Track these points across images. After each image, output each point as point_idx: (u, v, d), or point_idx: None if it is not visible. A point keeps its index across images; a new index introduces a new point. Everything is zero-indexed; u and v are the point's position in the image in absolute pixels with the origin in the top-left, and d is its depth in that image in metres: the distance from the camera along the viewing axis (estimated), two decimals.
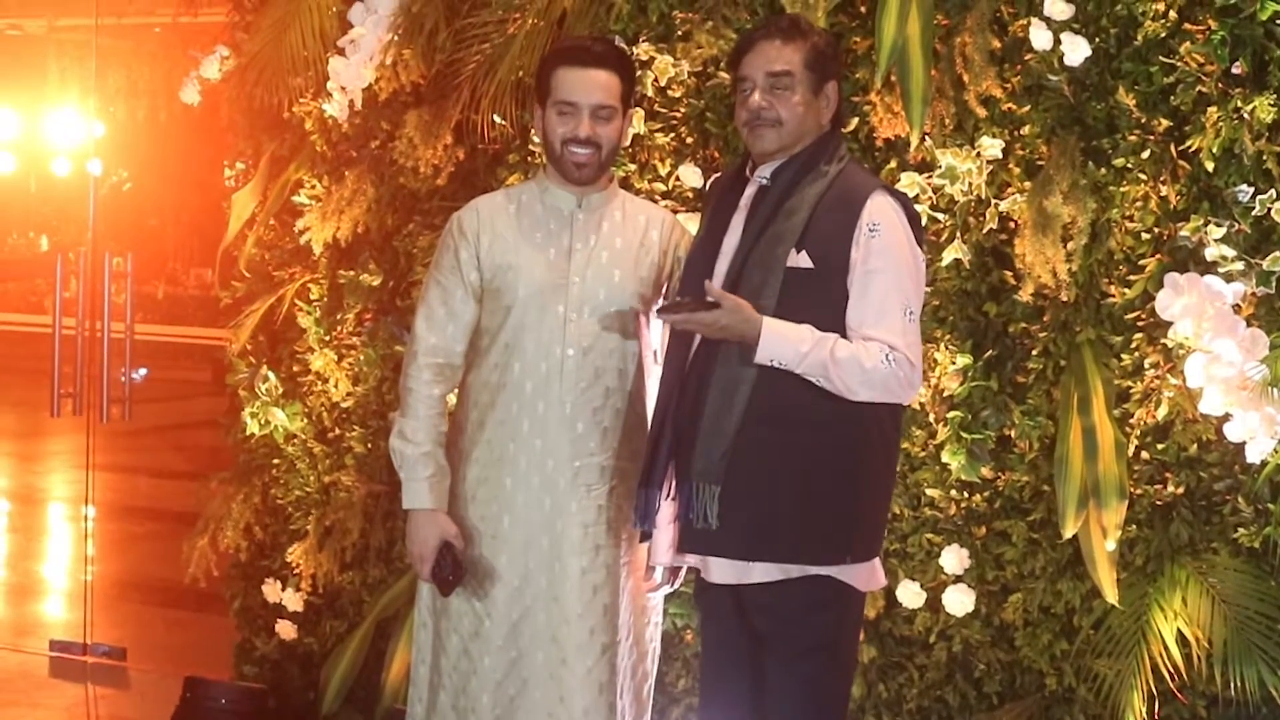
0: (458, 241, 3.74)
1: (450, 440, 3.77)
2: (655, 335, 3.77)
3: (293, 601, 5.18)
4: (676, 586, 3.77)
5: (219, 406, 5.59)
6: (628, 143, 4.44)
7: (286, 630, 5.22)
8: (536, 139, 4.38)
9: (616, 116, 3.66)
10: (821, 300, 3.37)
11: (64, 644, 6.45)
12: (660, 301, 3.77)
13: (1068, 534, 4.01)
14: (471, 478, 3.72)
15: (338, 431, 5.10)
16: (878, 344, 3.32)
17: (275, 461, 5.22)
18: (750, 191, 3.52)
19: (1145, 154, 3.98)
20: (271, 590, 5.23)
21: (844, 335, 3.35)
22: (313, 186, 5.09)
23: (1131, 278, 4.03)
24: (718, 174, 4.17)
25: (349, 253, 5.03)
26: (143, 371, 6.22)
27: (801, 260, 3.36)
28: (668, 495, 3.52)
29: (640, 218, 3.79)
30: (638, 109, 4.45)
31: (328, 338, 5.06)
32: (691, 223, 4.14)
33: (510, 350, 3.67)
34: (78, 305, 6.29)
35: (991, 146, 4.12)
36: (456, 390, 3.81)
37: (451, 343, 3.72)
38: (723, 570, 3.44)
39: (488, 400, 3.70)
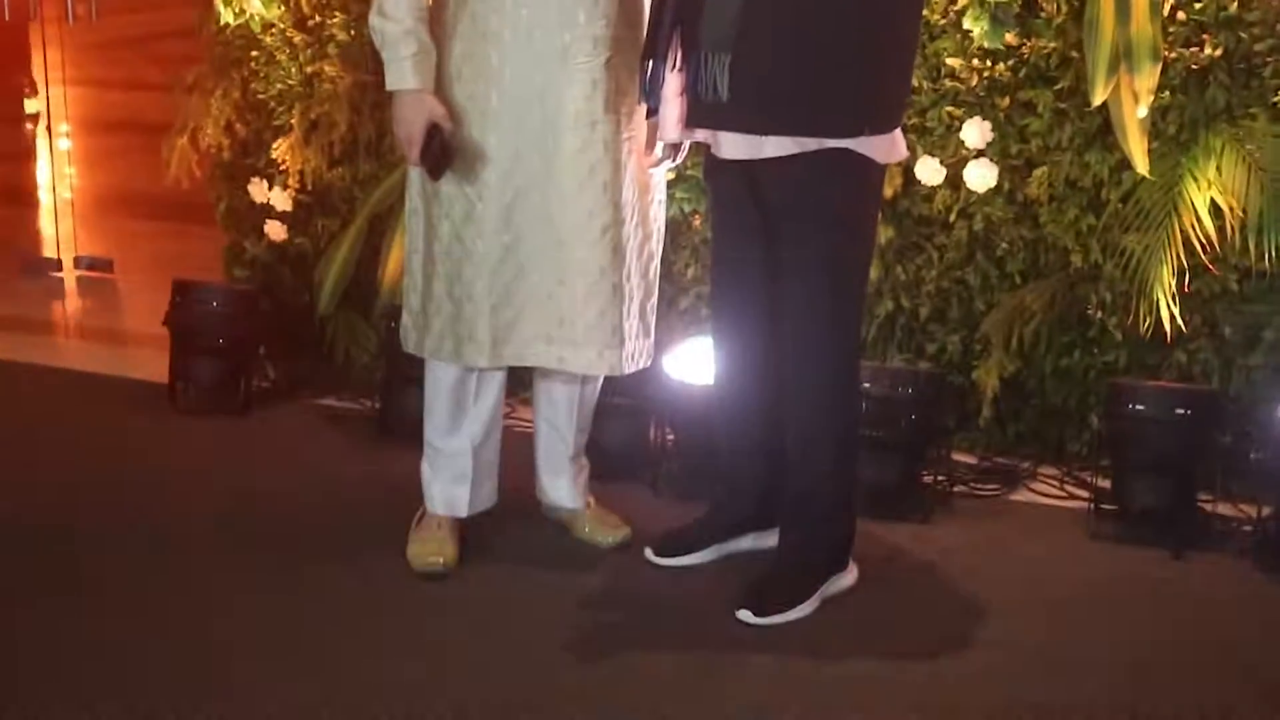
0: None
1: (433, 16, 3.72)
2: None
3: (281, 200, 5.24)
4: (679, 162, 3.80)
5: (189, 16, 5.52)
6: None
7: (276, 231, 5.30)
8: None
9: None
10: None
11: (47, 260, 6.53)
12: None
13: (1096, 102, 4.02)
14: (456, 54, 3.69)
15: (318, 18, 5.08)
16: None
17: (254, 53, 5.21)
18: None
19: None
20: (258, 190, 5.29)
21: None
22: None
23: None
24: None
25: None
26: None
27: None
28: (674, 67, 3.49)
29: None
30: None
31: None
32: None
33: None
34: None
35: None
36: None
37: None
38: (734, 145, 3.45)
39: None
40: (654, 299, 3.91)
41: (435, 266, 3.78)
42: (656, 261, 3.91)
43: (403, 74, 3.65)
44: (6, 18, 6.34)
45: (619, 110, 3.69)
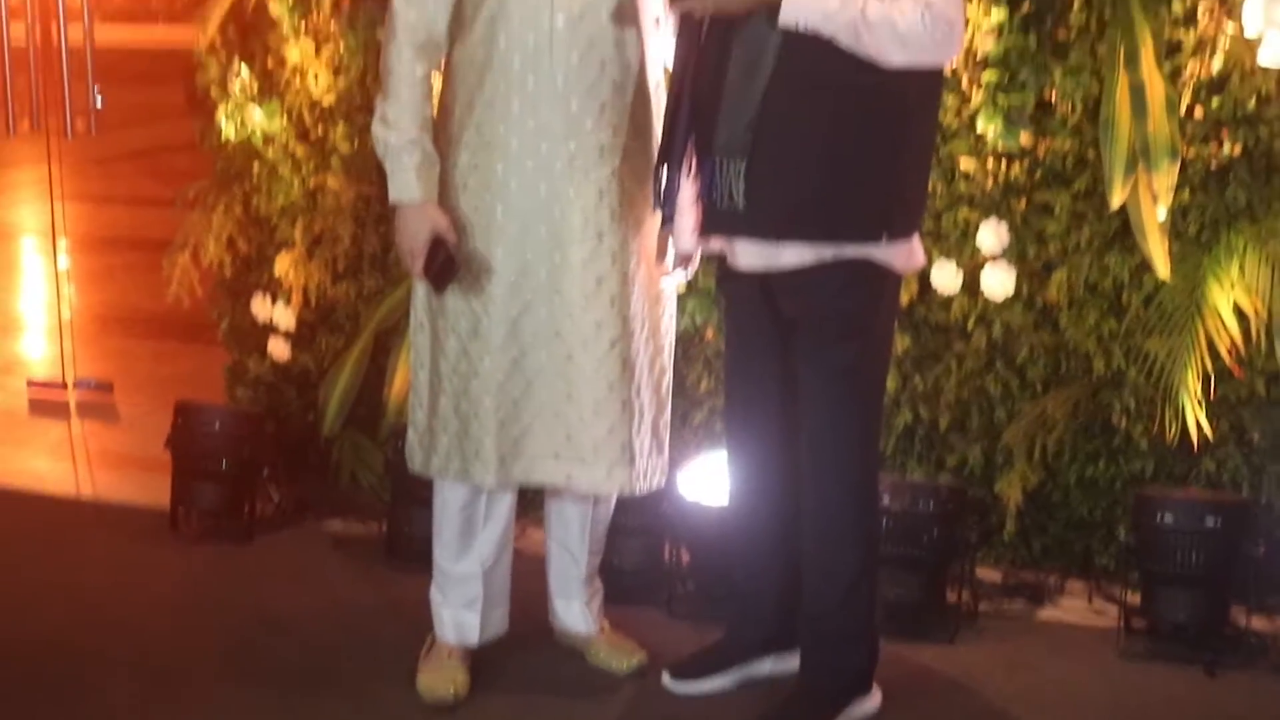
0: None
1: (438, 126, 3.75)
2: (657, 1, 3.71)
3: (284, 318, 5.23)
4: (692, 273, 3.79)
5: (193, 129, 5.54)
6: None
7: (279, 349, 5.28)
8: None
9: None
10: None
11: (44, 382, 6.53)
12: None
13: (1115, 203, 4.01)
14: (462, 165, 3.71)
15: (320, 130, 5.09)
16: (912, 1, 3.26)
17: (255, 167, 5.22)
18: None
19: None
20: (261, 307, 5.28)
21: None
22: None
23: None
24: None
25: None
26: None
27: None
28: (688, 174, 3.50)
29: None
30: None
31: (303, 26, 5.01)
32: None
33: (495, 22, 3.61)
34: (26, 6, 6.19)
35: None
36: (442, 73, 3.79)
37: (432, 17, 3.66)
38: (750, 254, 3.45)
39: (475, 79, 3.67)
40: (666, 414, 3.89)
41: (442, 383, 3.77)
42: (668, 376, 3.90)
43: (406, 185, 3.66)
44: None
45: (627, 221, 3.70)
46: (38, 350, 7.31)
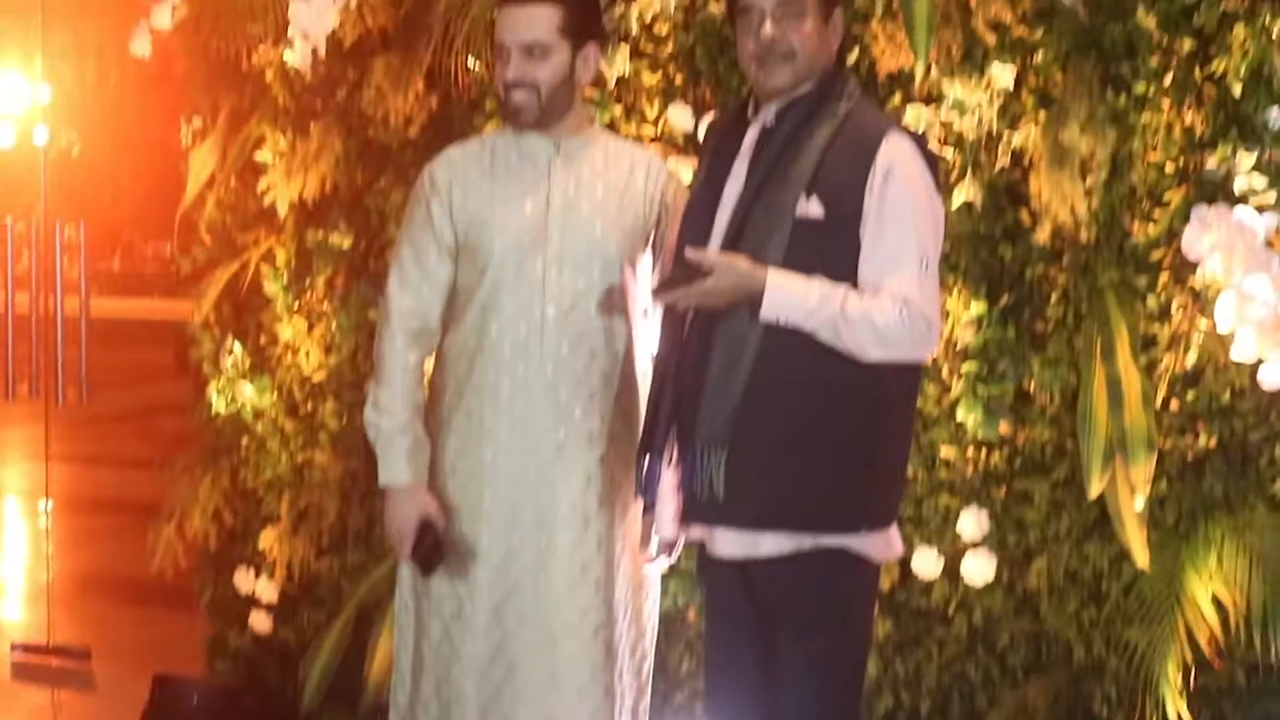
0: (429, 196, 3.76)
1: (428, 409, 3.78)
2: (645, 291, 3.78)
3: (267, 591, 5.21)
4: (675, 560, 3.80)
5: (183, 390, 5.60)
6: (611, 84, 4.47)
7: (261, 622, 5.25)
8: None
9: (555, 52, 3.65)
10: (832, 252, 3.35)
11: (25, 645, 6.49)
12: (648, 254, 3.79)
13: (1093, 493, 4.03)
14: (451, 449, 3.74)
15: (310, 406, 5.13)
16: (891, 298, 3.31)
17: (244, 441, 5.25)
18: (753, 134, 3.49)
19: (1168, 79, 4.01)
20: (244, 579, 5.27)
21: (856, 288, 3.34)
22: (276, 142, 5.10)
23: (1155, 214, 4.06)
24: (715, 116, 4.17)
25: (317, 213, 5.05)
26: None
27: (811, 208, 3.34)
28: (670, 463, 3.51)
29: (624, 161, 3.79)
30: (621, 46, 4.48)
31: (296, 305, 5.09)
32: (684, 169, 4.17)
33: (487, 311, 3.68)
34: (31, 280, 6.32)
35: (1003, 75, 4.13)
36: (434, 356, 3.84)
37: (427, 305, 3.74)
38: (729, 543, 3.44)
39: (465, 366, 3.71)
40: (647, 699, 3.86)
41: (424, 665, 3.75)
42: (650, 660, 3.88)
43: (397, 469, 3.69)
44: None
45: (613, 507, 3.72)
46: (16, 613, 7.26)
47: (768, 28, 3.40)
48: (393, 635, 3.92)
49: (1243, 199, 3.93)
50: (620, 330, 3.74)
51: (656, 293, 3.44)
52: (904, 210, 3.35)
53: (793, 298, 3.30)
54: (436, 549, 3.66)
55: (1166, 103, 4.01)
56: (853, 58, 4.24)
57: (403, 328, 3.73)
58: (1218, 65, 3.94)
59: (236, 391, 5.21)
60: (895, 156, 3.37)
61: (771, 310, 3.31)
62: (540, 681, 3.66)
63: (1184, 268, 4.01)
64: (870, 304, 3.31)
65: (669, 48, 4.50)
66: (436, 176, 3.77)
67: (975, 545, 4.27)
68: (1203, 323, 3.99)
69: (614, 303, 3.71)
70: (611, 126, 4.48)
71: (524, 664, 3.66)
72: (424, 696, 3.74)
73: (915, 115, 4.18)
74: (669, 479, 3.53)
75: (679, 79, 4.49)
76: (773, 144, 3.44)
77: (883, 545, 3.49)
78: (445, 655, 3.71)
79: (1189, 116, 4.00)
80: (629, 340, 3.76)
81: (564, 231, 3.68)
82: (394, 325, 3.73)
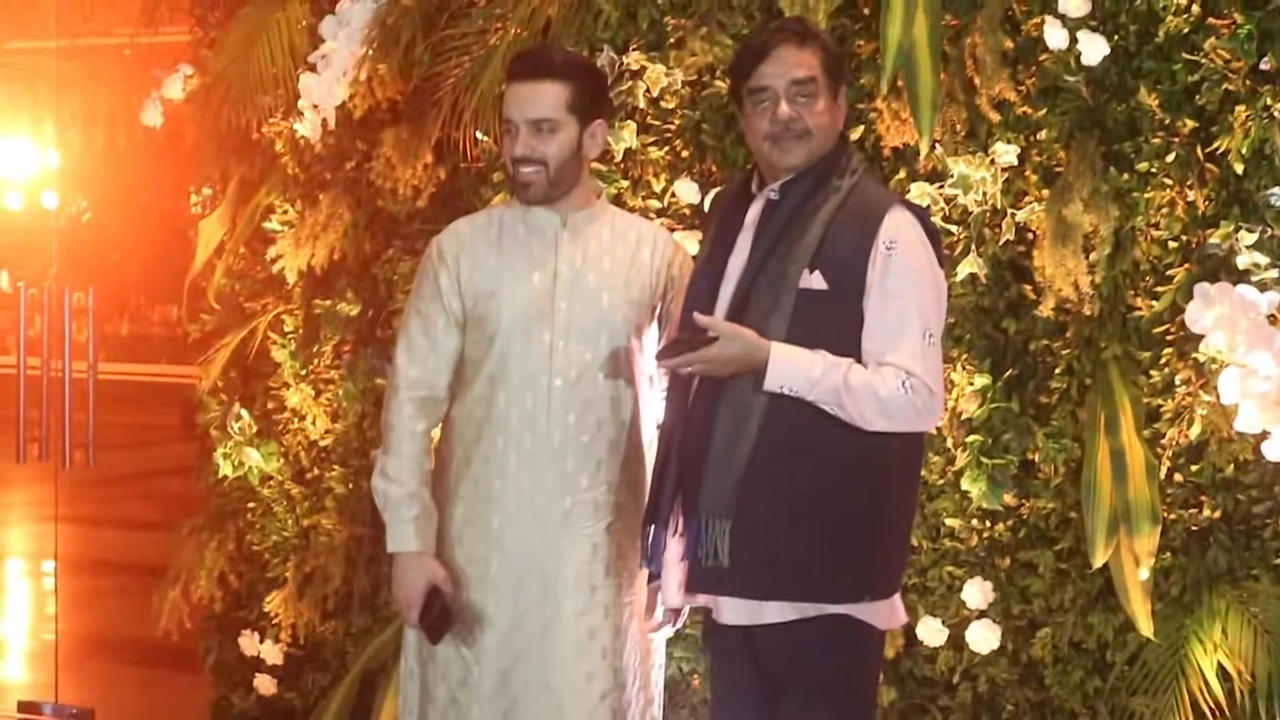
0: (437, 267, 3.75)
1: (435, 477, 3.77)
2: (651, 361, 3.77)
3: (272, 654, 5.16)
4: (680, 627, 3.76)
5: (188, 452, 5.56)
6: (618, 157, 4.47)
7: (266, 685, 5.20)
8: None
9: (563, 128, 3.65)
10: (836, 324, 3.35)
11: (29, 705, 6.44)
12: (654, 325, 3.78)
13: (1098, 563, 4.01)
14: (458, 517, 3.73)
15: (316, 471, 5.10)
16: (894, 370, 3.30)
17: (250, 505, 5.21)
18: (757, 208, 3.49)
19: (1170, 157, 4.00)
20: (249, 643, 5.22)
21: (860, 361, 3.33)
22: (285, 211, 5.09)
23: (1159, 289, 4.05)
24: (719, 190, 4.17)
25: (325, 281, 5.03)
26: None
27: (815, 281, 3.34)
28: (675, 532, 3.49)
29: (630, 235, 3.79)
30: (628, 121, 4.48)
31: (304, 372, 5.06)
32: (690, 242, 4.15)
33: (495, 381, 3.67)
34: (42, 344, 6.31)
35: (1006, 153, 4.13)
36: (441, 425, 3.82)
37: (434, 375, 3.73)
38: (734, 611, 3.42)
39: (473, 435, 3.70)
40: None
41: None
42: None
43: (404, 537, 3.67)
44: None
45: (620, 575, 3.71)
46: (22, 673, 7.20)
47: (784, 108, 3.42)
48: (397, 698, 3.90)
49: (1245, 275, 3.92)
50: (627, 400, 3.72)
51: (661, 356, 3.42)
52: (907, 283, 3.35)
53: (797, 368, 3.30)
54: (444, 615, 3.63)
55: (1169, 180, 4.00)
56: (858, 133, 4.24)
57: (410, 397, 3.72)
58: (1220, 144, 3.94)
59: (243, 456, 5.18)
60: (898, 230, 3.37)
61: (776, 380, 3.30)
62: None
63: (1187, 342, 4.00)
64: (873, 375, 3.30)
65: (675, 123, 4.49)
66: (445, 249, 3.77)
67: (980, 614, 4.24)
68: (1206, 396, 3.97)
69: (620, 373, 3.70)
70: (618, 200, 4.47)
71: None
72: None
73: (919, 191, 4.17)
74: (674, 548, 3.50)
75: (685, 153, 4.48)
76: (777, 218, 3.44)
77: (887, 613, 3.47)
78: None
79: (1191, 194, 3.99)
80: (635, 410, 3.75)
81: (571, 304, 3.67)
82: (402, 395, 3.72)
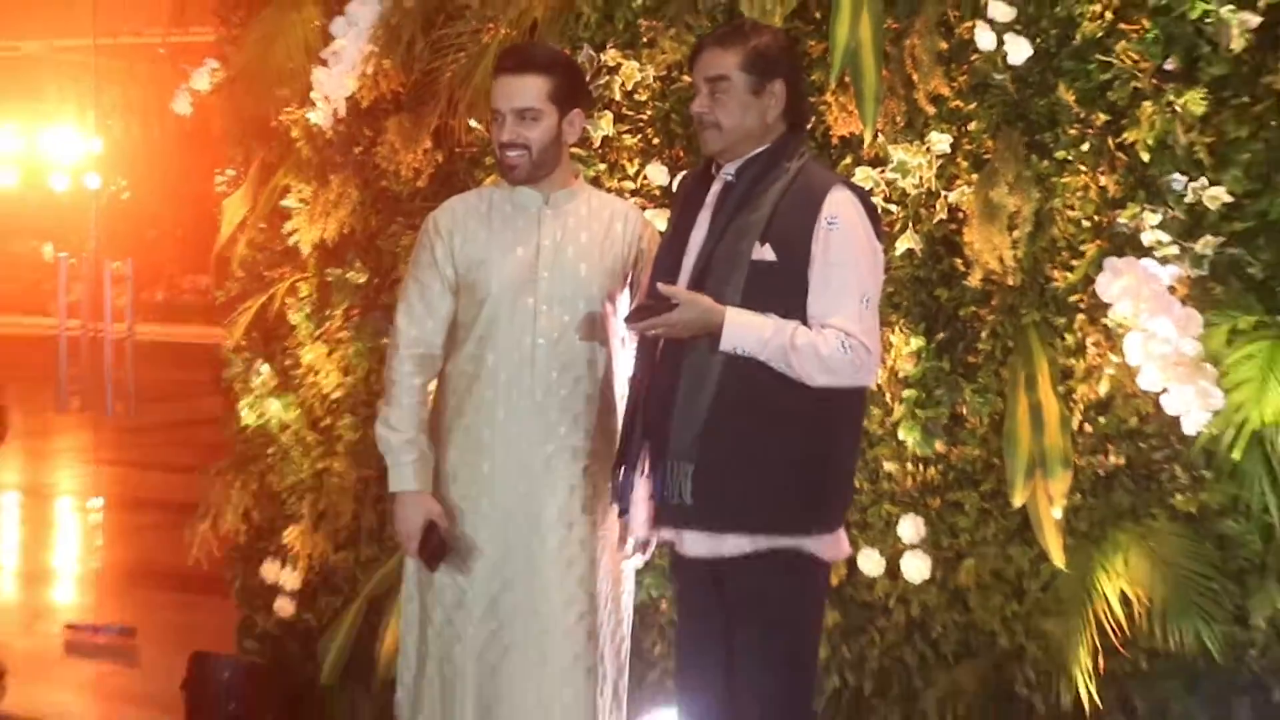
0: (433, 240, 3.72)
1: (432, 423, 3.76)
2: (623, 324, 3.71)
3: (290, 580, 5.11)
4: (648, 557, 3.71)
5: (217, 404, 5.54)
6: (597, 144, 4.41)
7: (285, 607, 5.15)
8: None
9: (545, 117, 3.60)
10: (784, 291, 3.32)
11: (77, 625, 6.42)
12: (626, 292, 3.75)
13: (1017, 503, 3.98)
14: (452, 459, 3.71)
15: (329, 420, 5.04)
16: (835, 331, 3.27)
17: (270, 450, 5.15)
18: (716, 189, 3.47)
19: (1085, 146, 3.97)
20: (270, 570, 5.17)
21: (806, 324, 3.30)
22: (300, 191, 5.02)
23: (1073, 263, 4.02)
24: (685, 173, 4.13)
25: (336, 252, 4.97)
26: None
27: (765, 253, 3.32)
28: (642, 474, 3.46)
29: (605, 212, 3.77)
30: (605, 112, 4.43)
31: (317, 332, 5.01)
32: (660, 220, 4.09)
33: (484, 341, 3.65)
34: (81, 308, 6.25)
35: (940, 142, 4.09)
36: (437, 379, 3.78)
37: (431, 335, 3.71)
38: (696, 543, 3.39)
39: (464, 387, 3.68)
40: (625, 677, 3.82)
41: (428, 647, 3.71)
42: (627, 644, 3.84)
43: (404, 478, 3.66)
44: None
45: (594, 512, 3.70)
46: (70, 597, 7.15)
47: (696, 102, 3.43)
48: (400, 621, 3.86)
49: (1149, 251, 3.89)
50: (601, 359, 3.71)
51: (630, 320, 3.39)
52: (846, 255, 3.33)
53: (749, 330, 3.28)
54: (440, 546, 3.62)
55: (1084, 167, 3.97)
56: (809, 124, 4.16)
57: (410, 355, 3.70)
58: (1128, 135, 3.91)
59: (264, 407, 5.13)
60: (838, 207, 3.35)
61: (730, 341, 3.28)
62: (531, 662, 3.63)
63: (1097, 310, 3.97)
64: (816, 336, 3.28)
65: (648, 113, 4.44)
66: (440, 223, 3.74)
67: (913, 547, 4.20)
68: (1113, 357, 3.94)
69: (596, 335, 3.68)
70: (596, 181, 4.42)
71: (517, 647, 3.63)
72: (428, 674, 3.70)
73: (863, 175, 4.12)
74: (642, 488, 3.47)
75: (656, 140, 4.43)
76: (732, 198, 3.42)
77: (832, 546, 3.45)
78: (448, 639, 3.67)
79: (1103, 179, 3.96)
80: (608, 367, 3.73)
81: (552, 273, 3.64)
82: (402, 352, 3.70)
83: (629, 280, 3.75)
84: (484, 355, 3.64)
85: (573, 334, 3.64)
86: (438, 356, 3.72)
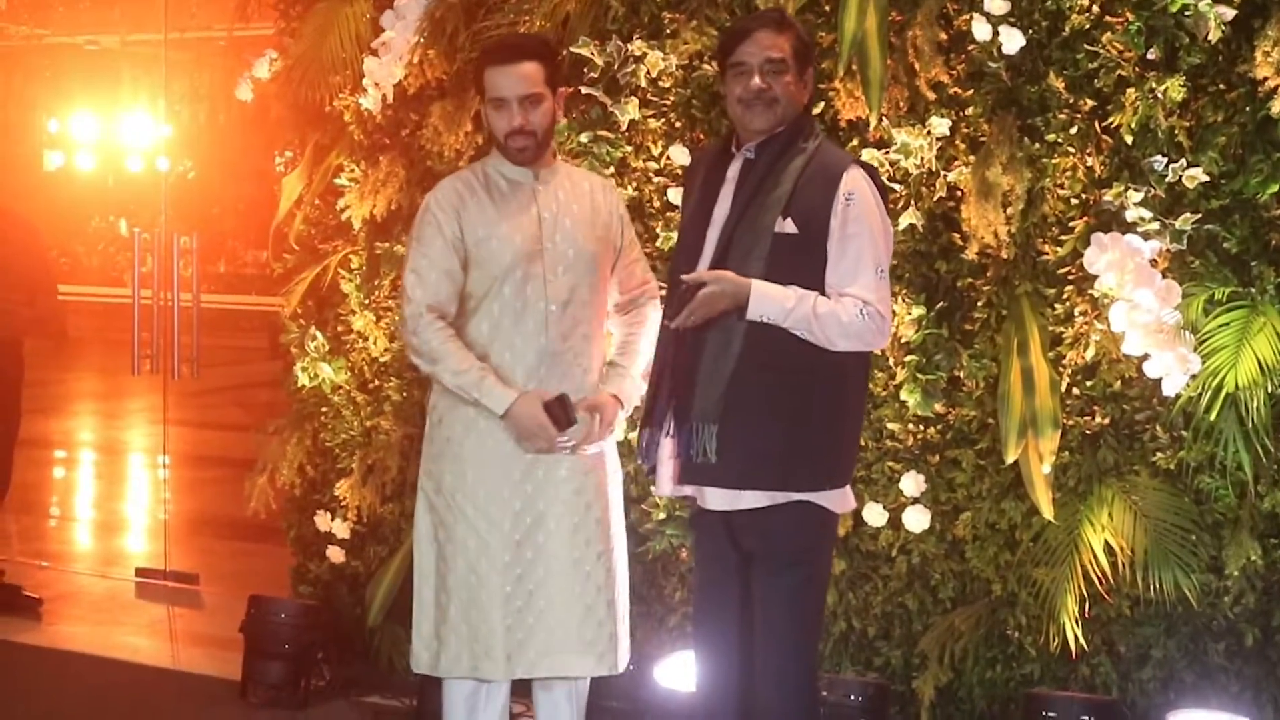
0: (439, 217, 3.65)
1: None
2: (612, 285, 3.79)
3: (341, 530, 5.16)
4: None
5: (274, 368, 5.55)
6: (624, 127, 4.43)
7: (336, 555, 5.21)
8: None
9: (544, 100, 3.61)
10: (804, 262, 3.32)
11: (146, 570, 6.47)
12: (613, 259, 3.76)
13: (1009, 460, 4.00)
14: (473, 412, 3.63)
15: (377, 382, 5.08)
16: (853, 299, 3.28)
17: (323, 410, 5.19)
18: (737, 166, 3.45)
19: (1073, 130, 3.97)
20: (322, 521, 5.21)
21: (824, 293, 3.31)
22: (351, 170, 5.04)
23: (1063, 238, 4.03)
24: (698, 150, 4.14)
25: (384, 227, 4.99)
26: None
27: (787, 226, 3.31)
28: (667, 433, 3.46)
29: (585, 185, 3.78)
30: (632, 98, 4.45)
31: (367, 301, 5.03)
32: (678, 196, 4.12)
33: (502, 308, 3.62)
34: (153, 279, 6.29)
35: (940, 125, 4.10)
36: None
37: (446, 298, 3.63)
38: (717, 498, 3.41)
39: (482, 349, 3.63)
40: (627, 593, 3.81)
41: (450, 596, 3.66)
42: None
43: (498, 397, 3.58)
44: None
45: (603, 452, 3.73)
46: (140, 545, 7.23)
47: (756, 80, 3.37)
48: (415, 574, 3.77)
49: (1132, 227, 3.90)
50: (600, 318, 3.75)
51: (674, 319, 3.36)
52: (862, 228, 3.33)
53: (773, 301, 3.28)
54: (570, 410, 3.56)
55: (1072, 149, 3.98)
56: (819, 108, 4.19)
57: (430, 318, 3.61)
58: (1114, 120, 3.91)
59: (318, 370, 5.15)
60: (854, 184, 3.35)
61: (756, 311, 3.28)
62: (555, 601, 3.62)
63: (1085, 281, 3.98)
64: (836, 305, 3.29)
65: (671, 99, 4.45)
66: (443, 202, 3.68)
67: (914, 501, 4.23)
68: (1099, 325, 3.96)
69: (595, 297, 3.70)
70: (623, 162, 4.46)
71: (541, 589, 3.62)
72: (451, 619, 3.65)
73: (869, 156, 4.13)
74: (666, 446, 3.48)
75: (679, 124, 4.45)
76: (754, 174, 3.40)
77: (840, 500, 3.47)
78: (472, 584, 3.63)
79: (1090, 160, 3.96)
80: (602, 326, 3.78)
81: (555, 243, 3.64)
82: (425, 317, 3.61)
83: (617, 247, 3.78)
84: (501, 321, 3.61)
85: (579, 295, 3.64)
86: (450, 323, 3.64)
